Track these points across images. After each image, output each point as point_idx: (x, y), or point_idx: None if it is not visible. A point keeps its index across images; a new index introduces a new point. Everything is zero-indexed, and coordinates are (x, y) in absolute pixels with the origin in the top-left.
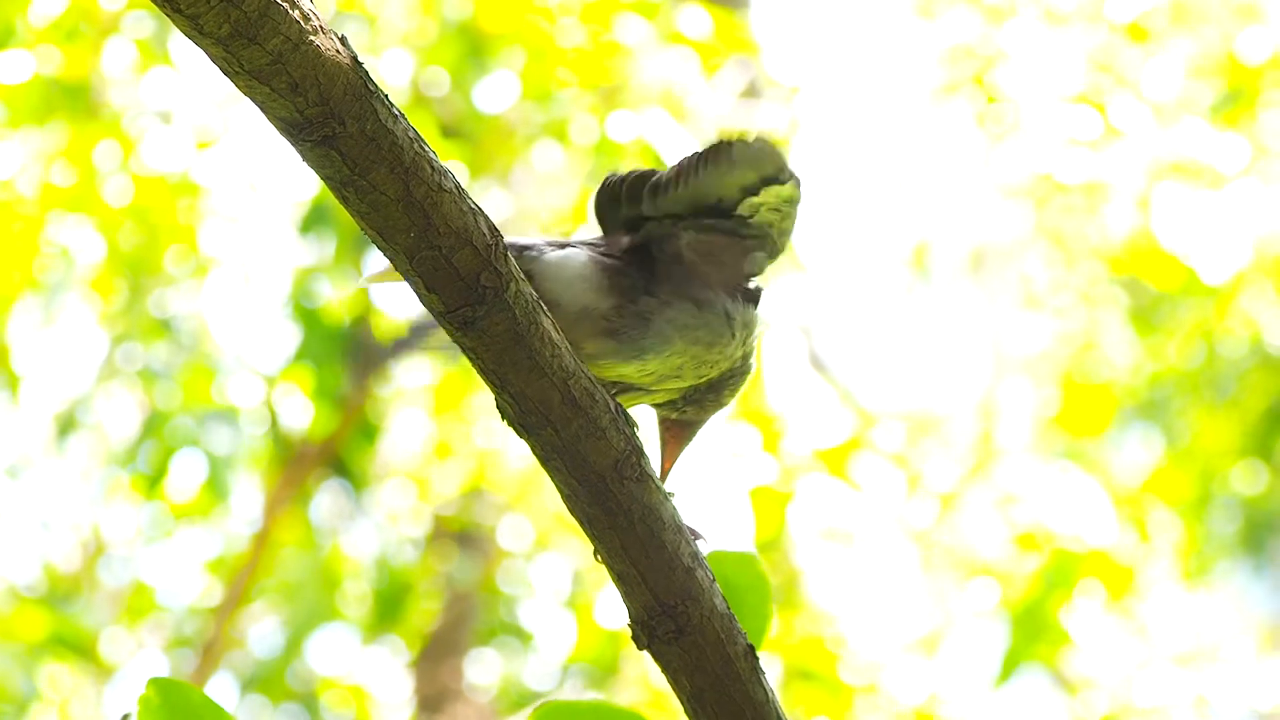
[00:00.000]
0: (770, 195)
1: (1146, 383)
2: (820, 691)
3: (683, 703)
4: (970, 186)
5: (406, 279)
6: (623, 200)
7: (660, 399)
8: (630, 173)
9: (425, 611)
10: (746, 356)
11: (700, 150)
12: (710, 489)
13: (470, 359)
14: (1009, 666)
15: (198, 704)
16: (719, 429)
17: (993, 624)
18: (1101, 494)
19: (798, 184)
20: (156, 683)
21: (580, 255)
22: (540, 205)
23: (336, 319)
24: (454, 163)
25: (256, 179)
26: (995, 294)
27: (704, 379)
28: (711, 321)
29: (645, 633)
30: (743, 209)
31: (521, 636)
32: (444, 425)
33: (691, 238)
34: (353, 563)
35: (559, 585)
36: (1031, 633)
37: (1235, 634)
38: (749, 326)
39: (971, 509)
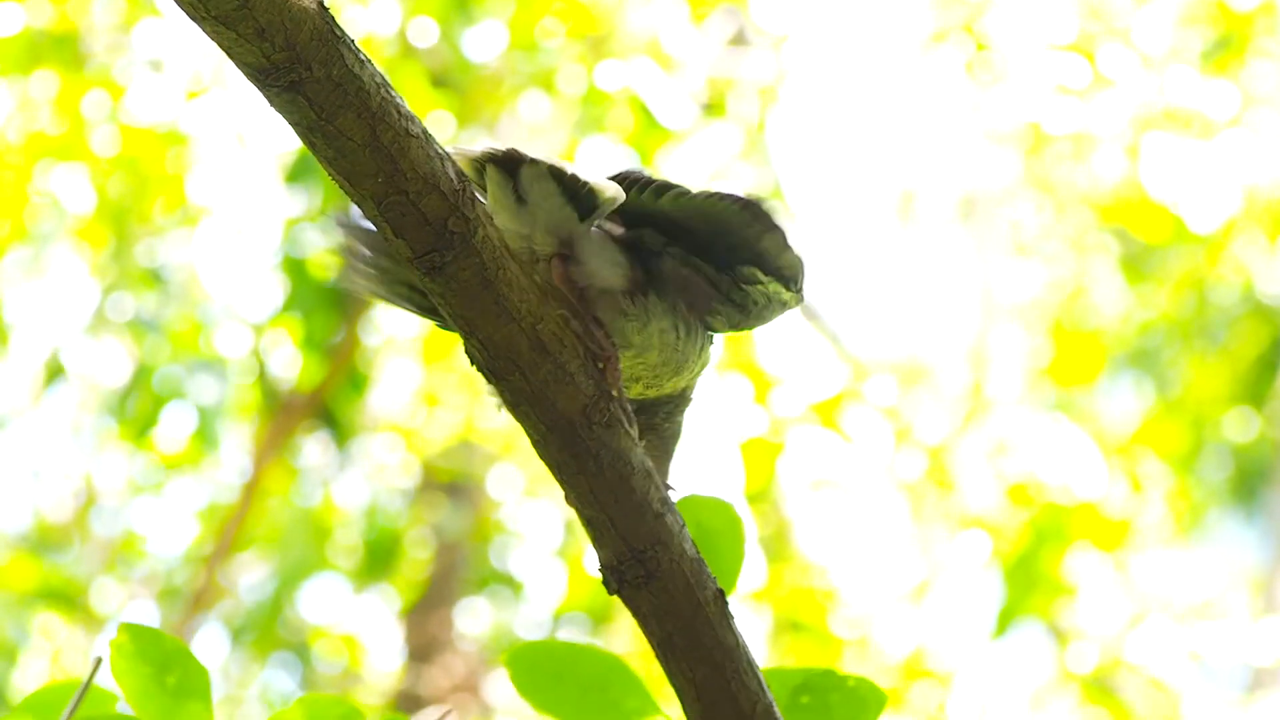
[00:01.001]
0: (774, 288)
1: (1137, 331)
2: (810, 642)
3: (653, 647)
4: (959, 134)
5: (374, 225)
6: (630, 192)
7: None
8: (654, 180)
9: (414, 561)
10: (689, 389)
11: (742, 198)
12: (701, 441)
13: (438, 304)
14: (1004, 620)
15: (170, 649)
16: (710, 381)
17: (984, 576)
18: (1092, 445)
19: (800, 300)
20: (129, 628)
21: (610, 241)
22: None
23: (324, 269)
24: (441, 112)
25: (244, 129)
26: (985, 242)
27: (647, 396)
28: (689, 345)
29: (615, 578)
30: (743, 273)
31: (512, 585)
32: (433, 375)
33: (676, 265)
34: (342, 513)
35: (549, 534)
36: (1025, 585)
37: (1228, 586)
38: (705, 363)
39: (962, 460)
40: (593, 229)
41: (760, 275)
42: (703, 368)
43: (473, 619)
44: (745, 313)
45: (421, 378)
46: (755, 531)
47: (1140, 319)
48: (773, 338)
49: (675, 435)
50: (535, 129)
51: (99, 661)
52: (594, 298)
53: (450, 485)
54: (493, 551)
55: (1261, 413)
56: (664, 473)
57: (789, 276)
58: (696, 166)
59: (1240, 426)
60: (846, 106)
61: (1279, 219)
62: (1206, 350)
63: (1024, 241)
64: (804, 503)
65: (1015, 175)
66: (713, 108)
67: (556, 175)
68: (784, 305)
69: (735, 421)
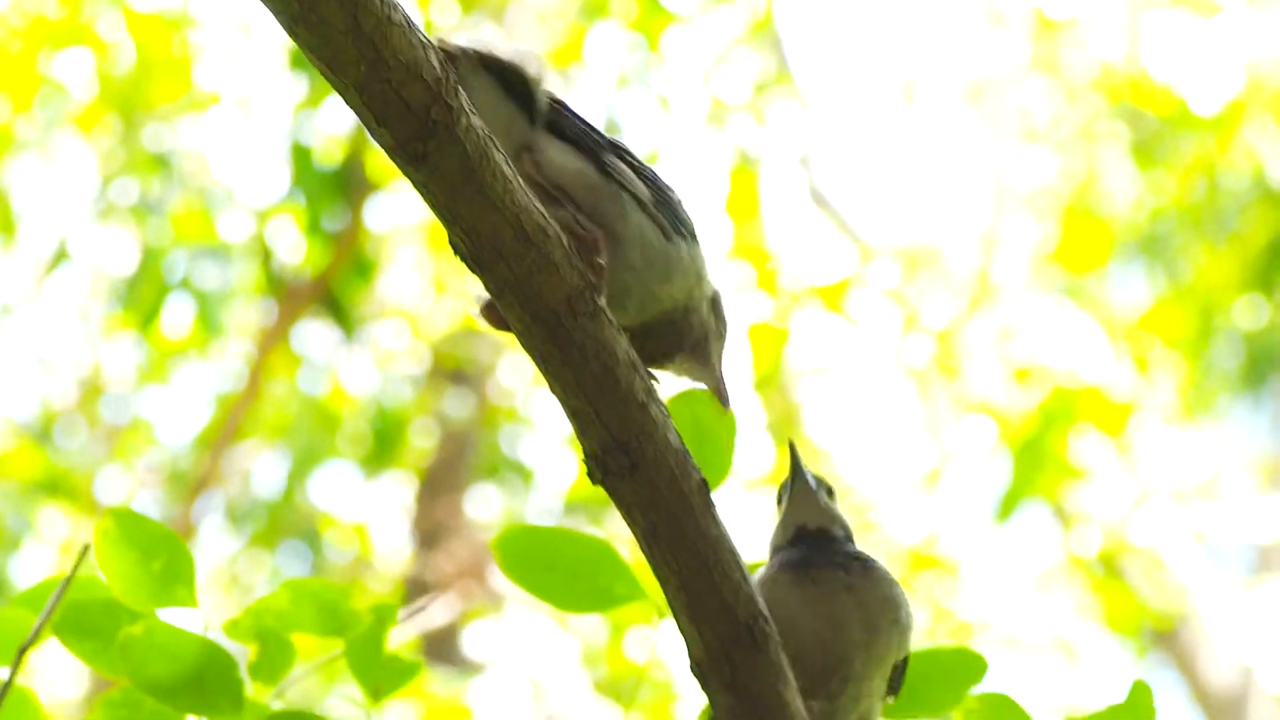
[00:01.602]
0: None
1: (1148, 218)
2: None
3: (637, 538)
4: (964, 16)
5: (357, 114)
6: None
7: None
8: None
9: (422, 448)
10: (691, 305)
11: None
12: None
13: (422, 194)
14: (1010, 502)
15: (155, 535)
16: (717, 266)
17: (990, 461)
18: (1099, 330)
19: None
20: (113, 514)
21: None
22: (533, 42)
23: (330, 154)
24: None
25: (250, 13)
26: (995, 127)
27: (648, 315)
28: (671, 246)
29: (599, 468)
30: None
31: (522, 473)
32: (441, 262)
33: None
34: (350, 400)
35: (558, 422)
36: (1031, 468)
37: (1234, 469)
38: (699, 271)
39: (970, 345)
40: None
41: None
42: (698, 276)
43: (482, 505)
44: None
45: (430, 264)
46: (763, 418)
47: (1151, 205)
48: (781, 223)
49: (708, 351)
50: (541, 15)
51: (85, 548)
52: (572, 186)
53: (458, 372)
54: (503, 438)
55: (1272, 299)
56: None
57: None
58: (701, 51)
59: (1250, 313)
60: None
61: None
62: (1217, 237)
63: (1034, 127)
64: (811, 388)
65: (1023, 60)
66: None
67: (487, 63)
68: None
69: (742, 307)
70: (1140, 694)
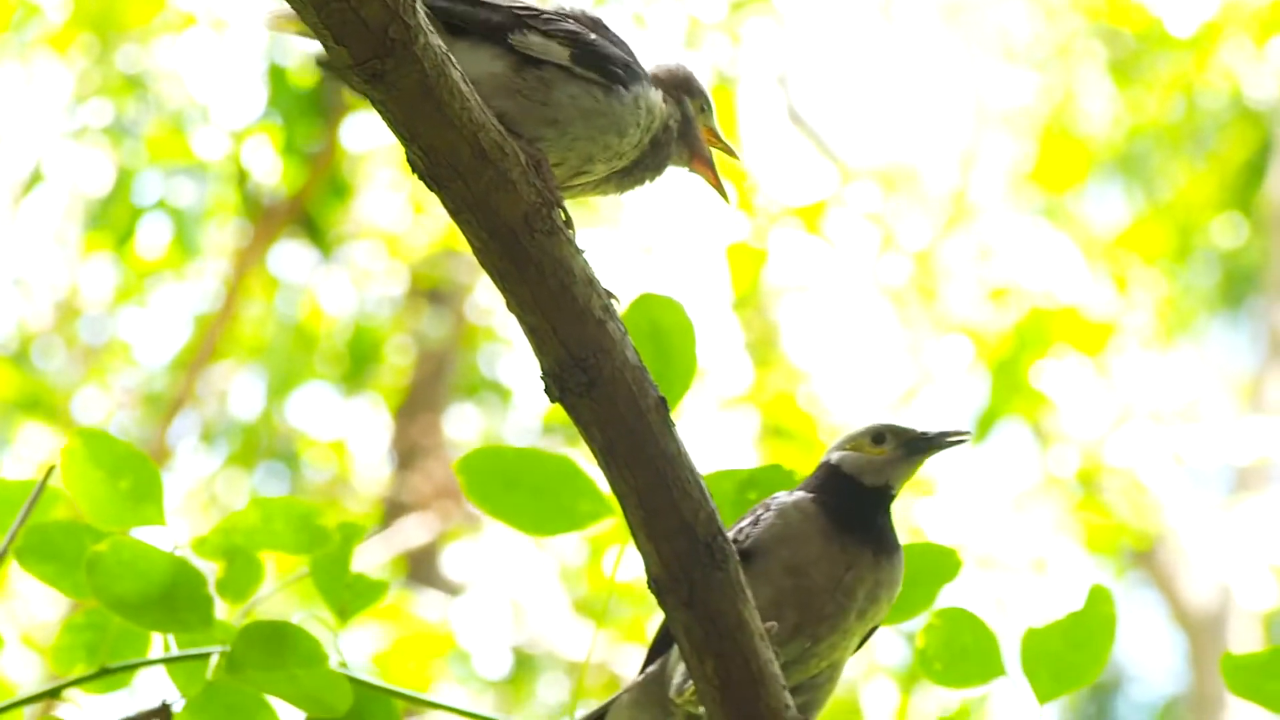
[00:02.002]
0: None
1: (1126, 137)
2: (794, 448)
3: (595, 455)
4: None
5: (315, 32)
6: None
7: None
8: None
9: (400, 368)
10: (659, 138)
11: None
12: (685, 245)
13: (379, 112)
14: (987, 422)
15: (122, 454)
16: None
17: (969, 380)
18: (1076, 249)
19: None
20: (81, 433)
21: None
22: None
23: (307, 75)
24: None
25: None
26: (973, 47)
27: (618, 168)
28: (613, 101)
29: (557, 385)
30: None
31: (501, 392)
32: (419, 183)
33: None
34: (327, 320)
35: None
36: (1008, 388)
37: (1215, 390)
38: (651, 113)
39: (947, 265)
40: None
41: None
42: (652, 119)
43: (462, 425)
44: None
45: (407, 185)
46: (741, 337)
47: (1128, 124)
48: (759, 143)
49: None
50: None
51: (50, 468)
52: (487, 95)
53: (436, 292)
54: (481, 358)
55: (1249, 218)
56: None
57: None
58: None
59: (1228, 232)
60: None
61: (1266, 24)
62: (1195, 156)
63: (1012, 47)
64: (789, 308)
65: None
66: None
67: None
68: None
69: (720, 226)
70: (1099, 599)
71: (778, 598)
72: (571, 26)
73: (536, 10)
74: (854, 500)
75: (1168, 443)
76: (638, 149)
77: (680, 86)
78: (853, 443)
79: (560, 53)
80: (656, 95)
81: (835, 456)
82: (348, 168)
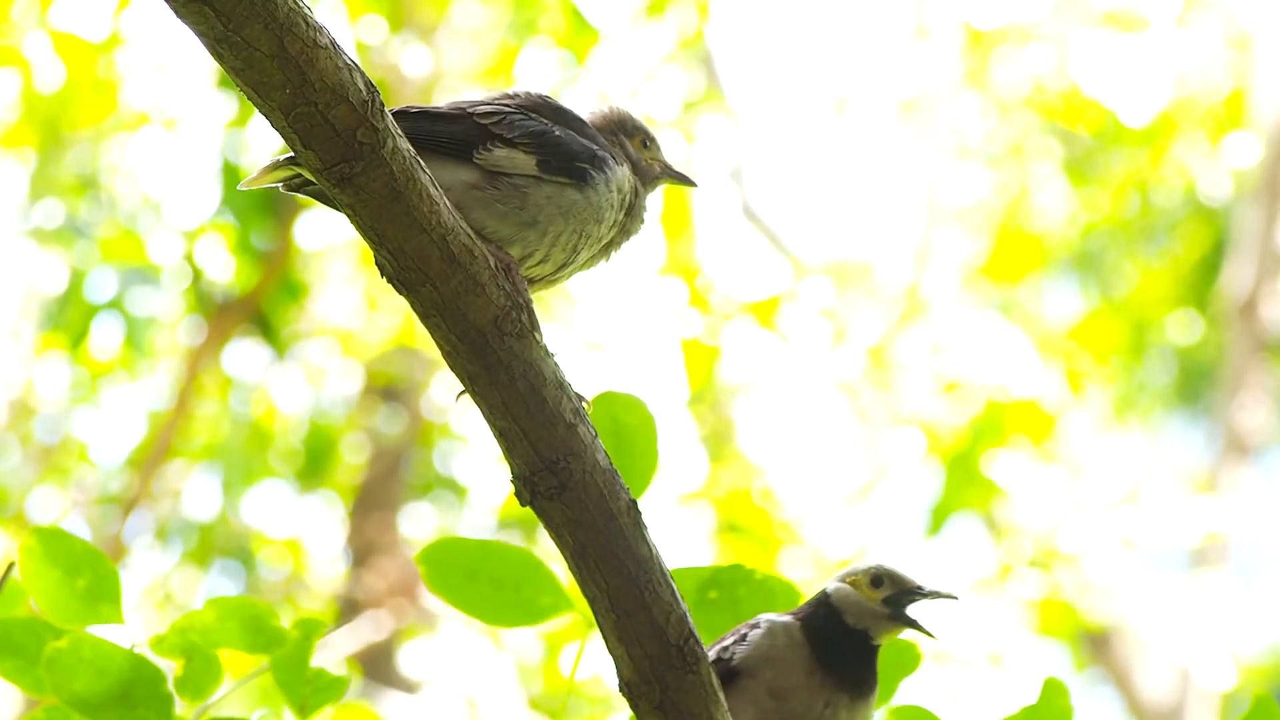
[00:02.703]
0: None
1: (1081, 234)
2: (749, 544)
3: (566, 558)
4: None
5: (283, 136)
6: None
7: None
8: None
9: (355, 466)
10: (636, 208)
11: None
12: (640, 342)
13: (348, 216)
14: (941, 515)
15: (79, 553)
16: (649, 282)
17: (924, 473)
18: (1028, 344)
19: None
20: (38, 532)
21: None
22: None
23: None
24: (375, 16)
25: (176, 35)
26: (928, 145)
27: (615, 242)
28: (590, 191)
29: (528, 489)
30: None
31: (456, 490)
32: (373, 281)
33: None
34: (281, 418)
35: (492, 439)
36: (963, 481)
37: (1165, 477)
38: (621, 188)
39: (901, 359)
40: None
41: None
42: (624, 195)
43: (416, 523)
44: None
45: (361, 282)
46: (696, 432)
47: (1083, 221)
48: (713, 239)
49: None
50: (472, 33)
51: (10, 566)
52: (463, 205)
53: (391, 389)
54: (436, 455)
55: (1205, 314)
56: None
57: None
58: (630, 68)
59: (1184, 328)
60: (785, 5)
61: (1219, 122)
62: (1150, 252)
63: (966, 144)
64: (744, 403)
65: (955, 76)
66: (653, 7)
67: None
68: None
69: (674, 323)
70: (1054, 692)
71: (760, 718)
72: (534, 126)
73: (495, 110)
74: (839, 637)
75: (1120, 527)
76: (615, 226)
77: (616, 129)
78: (853, 577)
79: (527, 163)
80: (622, 170)
81: (832, 587)
82: (302, 265)
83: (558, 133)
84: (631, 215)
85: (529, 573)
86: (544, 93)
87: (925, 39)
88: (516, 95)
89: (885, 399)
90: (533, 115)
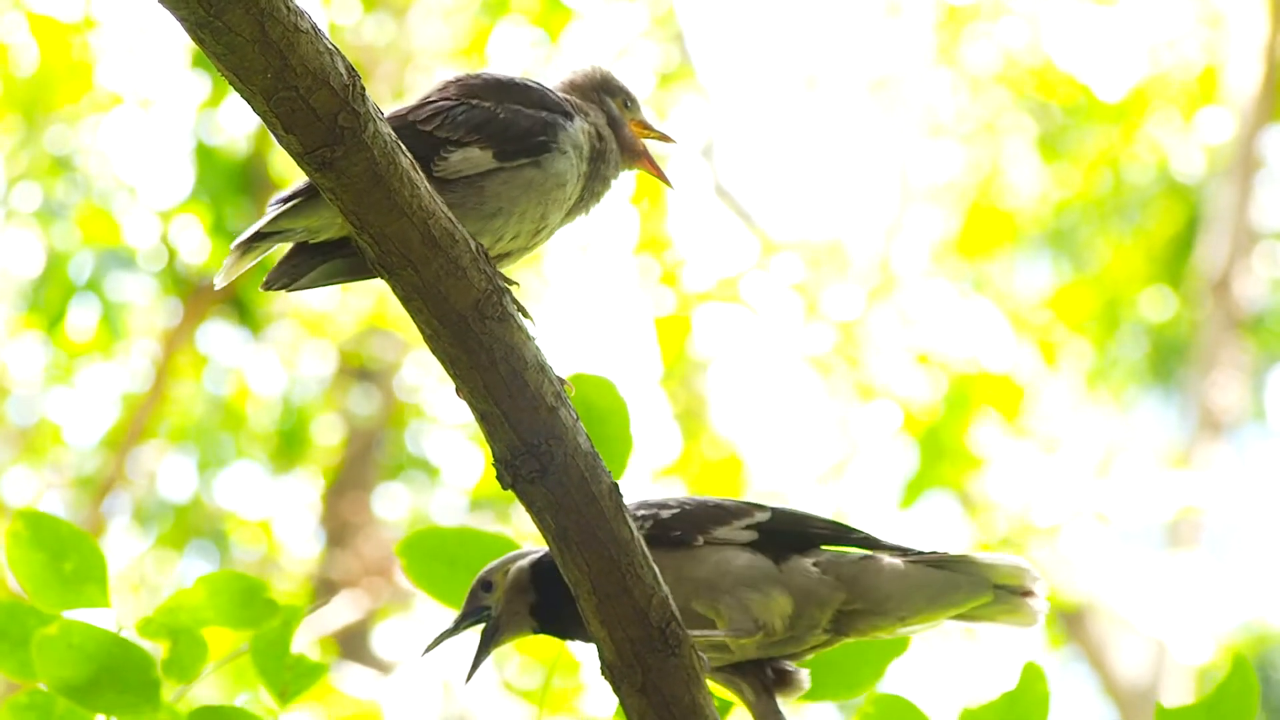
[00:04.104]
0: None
1: (1053, 211)
2: None
3: (548, 541)
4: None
5: (264, 121)
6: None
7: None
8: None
9: (329, 447)
10: (595, 157)
11: None
12: (613, 320)
13: (330, 200)
14: (914, 490)
15: (66, 536)
16: (622, 262)
17: (897, 448)
18: (1002, 318)
19: None
20: (24, 515)
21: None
22: (435, 40)
23: (234, 153)
24: None
25: (152, 16)
26: (899, 120)
27: (572, 204)
28: (553, 164)
29: (509, 472)
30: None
31: (429, 470)
32: None
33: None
34: (255, 399)
35: (464, 419)
36: (935, 456)
37: (1140, 453)
38: (579, 145)
39: (872, 334)
40: None
41: None
42: (582, 150)
43: (390, 503)
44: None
45: None
46: (669, 408)
47: (1056, 198)
48: (684, 217)
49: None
50: (444, 13)
51: None
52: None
53: (364, 370)
54: (409, 436)
55: (1178, 291)
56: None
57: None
58: (602, 46)
59: (1157, 305)
60: None
61: (1192, 98)
62: (1122, 229)
63: (938, 121)
64: (716, 379)
65: (926, 53)
66: None
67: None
68: None
69: (647, 300)
70: (1032, 678)
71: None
72: (477, 116)
73: (435, 110)
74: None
75: (1093, 503)
76: (581, 180)
77: (599, 88)
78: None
79: (484, 158)
80: (577, 124)
81: None
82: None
83: (502, 115)
84: (601, 161)
85: None
86: (481, 70)
87: (897, 15)
88: (451, 83)
89: (857, 374)
90: (473, 102)
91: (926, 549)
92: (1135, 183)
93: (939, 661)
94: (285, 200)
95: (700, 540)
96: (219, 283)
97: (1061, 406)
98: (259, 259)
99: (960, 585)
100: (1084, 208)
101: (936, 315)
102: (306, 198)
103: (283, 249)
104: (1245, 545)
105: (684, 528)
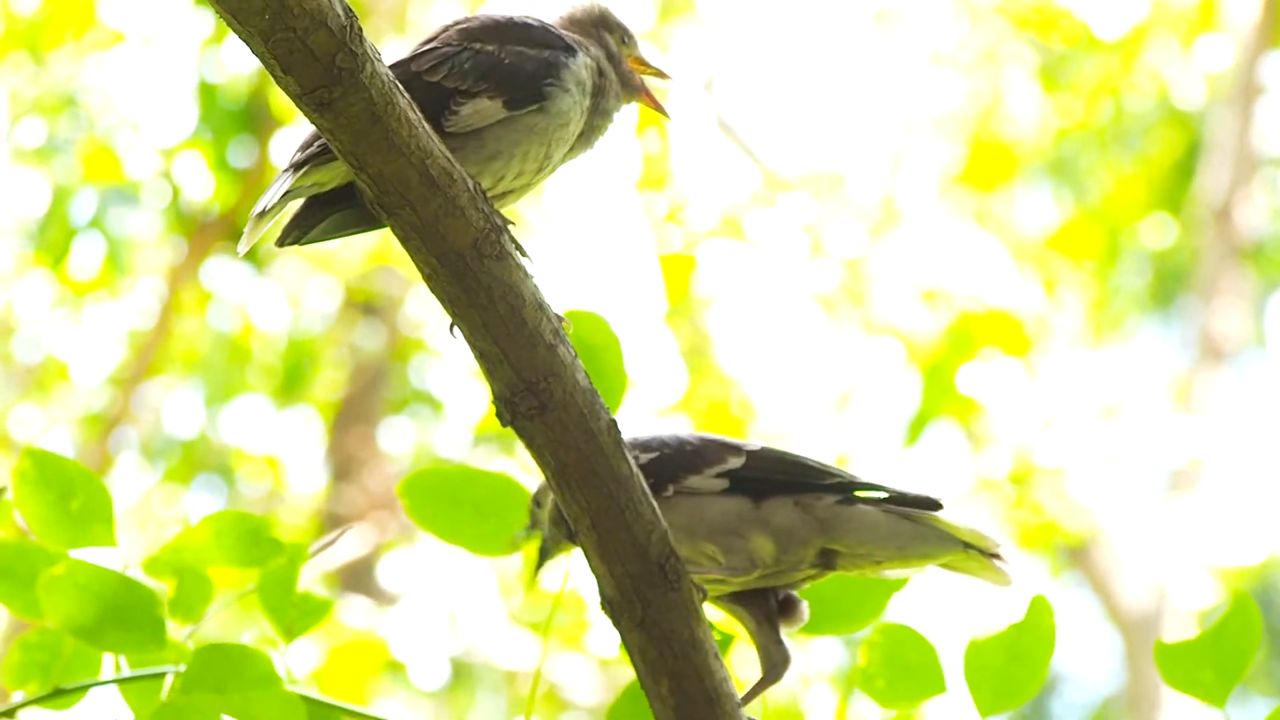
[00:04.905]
0: None
1: (1053, 140)
2: None
3: (547, 478)
4: None
5: (263, 62)
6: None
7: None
8: None
9: (334, 382)
10: (595, 92)
11: None
12: (617, 256)
13: (328, 141)
14: (919, 424)
15: (73, 474)
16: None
17: (901, 383)
18: (1004, 252)
19: None
20: (31, 454)
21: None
22: None
23: (236, 90)
24: None
25: None
26: (901, 52)
27: (580, 145)
28: (553, 119)
29: (509, 410)
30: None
31: (433, 404)
32: None
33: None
34: (260, 335)
35: (468, 354)
36: (940, 391)
37: (1144, 389)
38: (580, 80)
39: (876, 269)
40: None
41: None
42: (585, 86)
43: (395, 438)
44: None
45: None
46: (674, 346)
47: (1056, 128)
48: (688, 153)
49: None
50: None
51: (1, 490)
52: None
53: (369, 305)
54: (413, 371)
55: (1179, 219)
56: None
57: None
58: None
59: (1158, 233)
60: None
61: (1192, 26)
62: (1123, 158)
63: (939, 52)
64: (721, 316)
65: None
66: None
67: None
68: None
69: (651, 237)
70: (1039, 610)
71: None
72: (482, 61)
73: (439, 58)
74: None
75: (1099, 443)
76: (584, 116)
77: (598, 24)
78: None
79: (493, 108)
80: (580, 59)
81: None
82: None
83: (507, 60)
84: (602, 96)
85: (509, 498)
86: (479, 11)
87: None
88: (450, 27)
89: (861, 309)
90: (475, 46)
91: (909, 492)
92: (1135, 111)
93: (945, 592)
94: (297, 166)
95: (670, 490)
96: (241, 249)
97: (1066, 341)
98: (275, 217)
99: (929, 538)
100: (1084, 137)
101: (940, 250)
102: (315, 161)
103: (296, 204)
104: (1247, 476)
105: (656, 476)
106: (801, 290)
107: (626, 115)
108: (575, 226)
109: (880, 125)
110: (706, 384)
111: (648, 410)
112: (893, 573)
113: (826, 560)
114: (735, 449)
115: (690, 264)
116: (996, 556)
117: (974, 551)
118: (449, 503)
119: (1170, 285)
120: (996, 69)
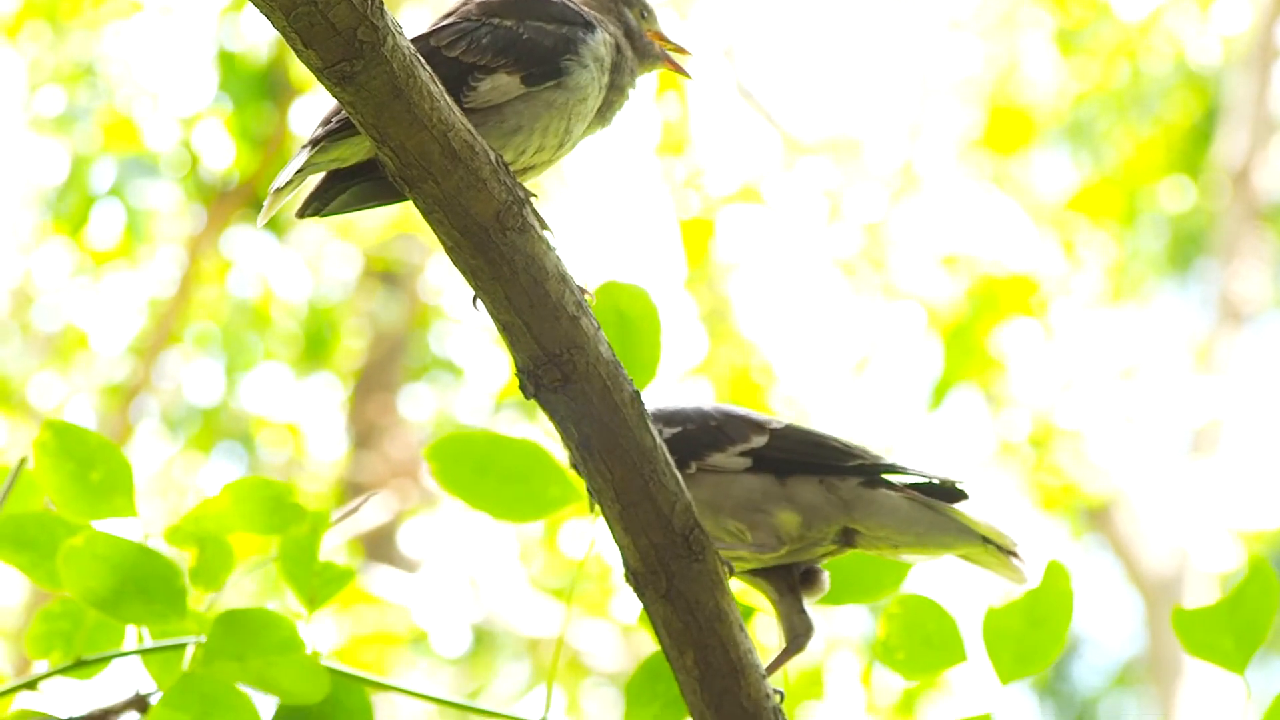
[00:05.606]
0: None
1: (1072, 104)
2: None
3: (570, 450)
4: None
5: (284, 37)
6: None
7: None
8: None
9: (354, 349)
10: (613, 69)
11: None
12: (637, 223)
13: (350, 114)
14: (941, 389)
15: (93, 445)
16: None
17: (922, 348)
18: (1023, 216)
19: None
20: (52, 425)
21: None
22: None
23: (256, 59)
24: None
25: None
26: (919, 16)
27: (610, 118)
28: (575, 79)
29: (532, 382)
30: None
31: (454, 371)
32: None
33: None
34: (281, 303)
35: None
36: (961, 355)
37: (1164, 351)
38: (596, 53)
39: (896, 234)
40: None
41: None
42: (604, 63)
43: (415, 405)
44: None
45: None
46: (695, 310)
47: (1074, 91)
48: (708, 118)
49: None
50: None
51: (23, 461)
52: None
53: (389, 274)
54: (433, 338)
55: (1197, 181)
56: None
57: None
58: None
59: (1176, 196)
60: None
61: None
62: (1141, 121)
63: (958, 16)
64: (741, 281)
65: None
66: None
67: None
68: None
69: (671, 202)
70: (1057, 576)
71: None
72: (501, 36)
73: (457, 33)
74: None
75: (1119, 404)
76: (602, 92)
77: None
78: None
79: (512, 84)
80: (598, 36)
81: None
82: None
83: (525, 35)
84: (619, 72)
85: (536, 464)
86: None
87: None
88: (470, 1)
89: (881, 274)
90: (494, 22)
91: (936, 479)
92: (1153, 74)
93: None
94: (315, 142)
95: (693, 467)
96: (259, 223)
97: (1086, 305)
98: (293, 193)
99: (949, 529)
100: (1102, 100)
101: (959, 214)
102: (335, 135)
103: (316, 177)
104: (1267, 438)
105: (680, 453)
106: (821, 255)
107: (644, 86)
108: (595, 192)
109: (899, 90)
110: (727, 349)
111: (669, 376)
112: (909, 557)
113: (847, 538)
114: (759, 426)
115: (710, 229)
116: (1014, 554)
117: (992, 547)
118: (476, 469)
119: (1189, 248)
120: (1015, 33)
